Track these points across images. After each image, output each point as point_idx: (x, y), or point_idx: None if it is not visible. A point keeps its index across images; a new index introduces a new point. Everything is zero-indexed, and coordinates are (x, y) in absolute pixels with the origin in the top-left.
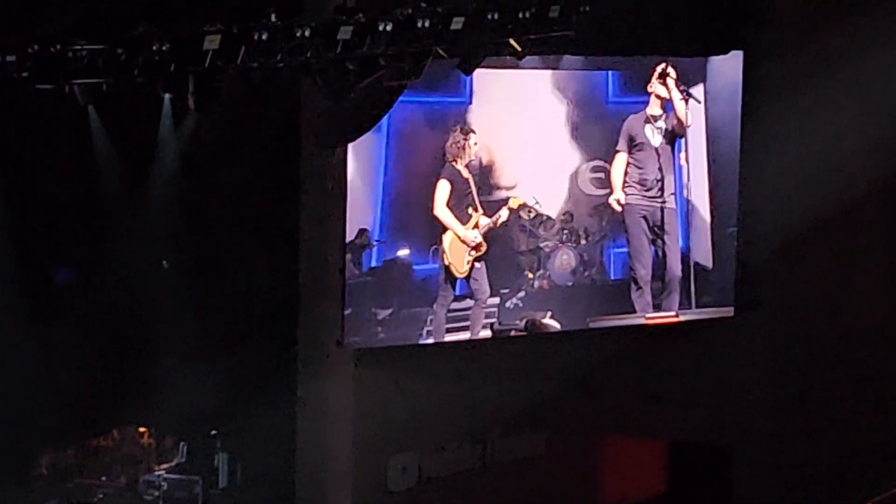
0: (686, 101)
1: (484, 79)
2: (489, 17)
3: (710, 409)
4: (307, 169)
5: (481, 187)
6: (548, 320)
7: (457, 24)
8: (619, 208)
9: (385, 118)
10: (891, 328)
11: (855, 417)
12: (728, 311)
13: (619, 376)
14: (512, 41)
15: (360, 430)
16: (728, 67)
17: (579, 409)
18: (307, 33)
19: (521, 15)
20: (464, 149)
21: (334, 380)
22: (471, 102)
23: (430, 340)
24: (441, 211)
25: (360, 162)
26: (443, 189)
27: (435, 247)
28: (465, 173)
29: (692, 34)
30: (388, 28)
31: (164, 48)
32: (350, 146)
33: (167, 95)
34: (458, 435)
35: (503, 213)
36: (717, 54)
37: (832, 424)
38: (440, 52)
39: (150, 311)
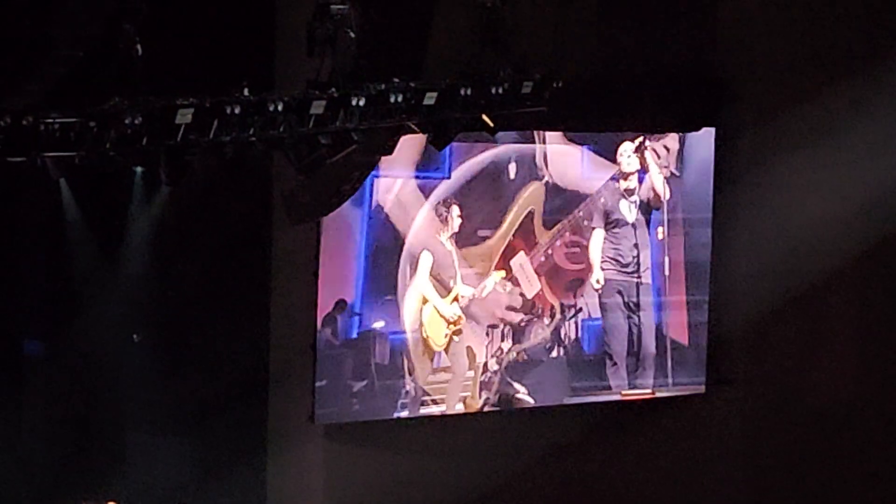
0: (664, 176)
1: (462, 153)
2: (462, 92)
3: (685, 484)
4: (279, 243)
5: (462, 259)
6: (522, 395)
7: (429, 99)
8: (598, 287)
9: (367, 192)
10: (863, 405)
11: (827, 494)
12: (700, 388)
13: (594, 452)
14: (485, 117)
15: None
16: (701, 143)
17: (553, 485)
18: (280, 107)
19: (493, 91)
20: (446, 221)
21: (305, 455)
22: (449, 177)
23: (406, 413)
24: (423, 282)
25: (341, 234)
26: (425, 261)
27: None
28: (449, 245)
29: (665, 111)
30: (361, 103)
31: (136, 121)
32: (331, 219)
33: (139, 169)
34: None
35: (488, 284)
36: (690, 131)
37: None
38: (413, 127)
39: (120, 385)
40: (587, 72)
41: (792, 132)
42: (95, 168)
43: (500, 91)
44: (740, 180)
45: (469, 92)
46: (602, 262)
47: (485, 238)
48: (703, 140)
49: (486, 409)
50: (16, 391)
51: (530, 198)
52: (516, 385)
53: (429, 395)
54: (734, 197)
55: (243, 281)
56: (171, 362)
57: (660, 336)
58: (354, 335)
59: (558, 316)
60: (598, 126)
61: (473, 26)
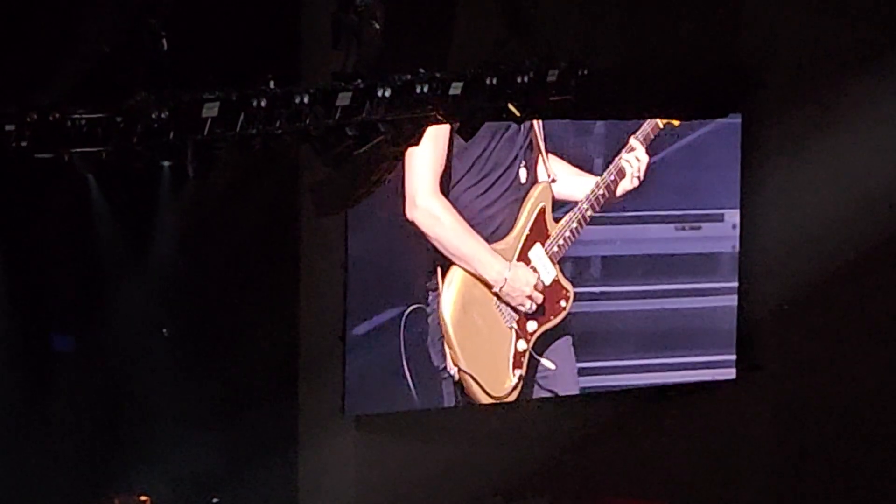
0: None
1: None
2: (488, 82)
3: (711, 472)
4: (307, 235)
5: None
6: (550, 369)
7: (455, 89)
8: None
9: None
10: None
11: (857, 481)
12: (730, 374)
13: (620, 439)
14: (510, 106)
15: (362, 498)
16: (728, 129)
17: (581, 472)
18: (306, 100)
19: (519, 80)
20: None
21: (336, 447)
22: None
23: (437, 403)
24: (456, 270)
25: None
26: None
27: None
28: None
29: (690, 97)
30: (387, 94)
31: (162, 116)
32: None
33: (166, 163)
34: (460, 501)
35: (514, 270)
36: (716, 118)
37: (835, 490)
38: (439, 117)
39: (150, 379)
40: (612, 59)
41: (820, 117)
42: (123, 163)
43: (526, 80)
44: (768, 165)
45: (495, 81)
46: None
47: (505, 234)
48: (731, 125)
49: (518, 387)
50: (44, 386)
51: (540, 196)
52: (544, 361)
53: (462, 381)
54: (762, 181)
55: (272, 273)
56: (200, 356)
57: (688, 319)
58: (384, 324)
59: (573, 300)
60: (623, 114)
61: (498, 15)
